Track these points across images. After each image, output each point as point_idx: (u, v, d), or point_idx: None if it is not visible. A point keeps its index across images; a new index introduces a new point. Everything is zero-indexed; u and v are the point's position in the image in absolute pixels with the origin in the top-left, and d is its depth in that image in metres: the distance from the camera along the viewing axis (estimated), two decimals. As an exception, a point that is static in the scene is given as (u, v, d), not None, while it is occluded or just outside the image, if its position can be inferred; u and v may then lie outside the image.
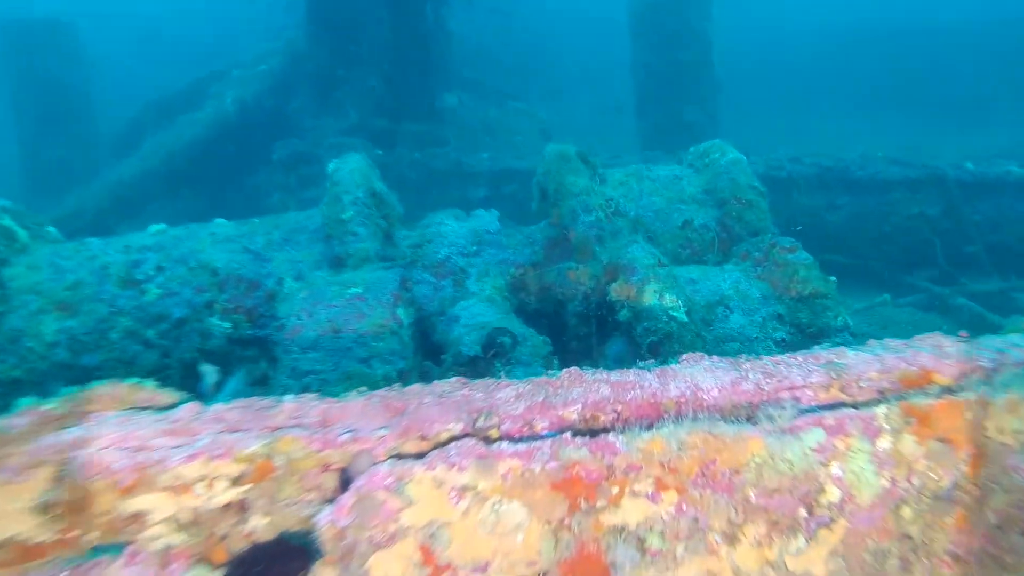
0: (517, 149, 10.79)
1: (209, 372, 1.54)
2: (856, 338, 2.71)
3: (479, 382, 1.38)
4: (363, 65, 9.54)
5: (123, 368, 3.33)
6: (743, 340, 2.64)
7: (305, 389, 2.47)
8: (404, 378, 2.54)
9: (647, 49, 10.53)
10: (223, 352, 3.31)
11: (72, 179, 11.63)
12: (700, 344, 2.54)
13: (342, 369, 2.43)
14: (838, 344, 2.47)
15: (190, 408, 1.31)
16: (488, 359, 2.67)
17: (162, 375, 3.27)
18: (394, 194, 3.88)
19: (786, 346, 2.66)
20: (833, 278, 2.83)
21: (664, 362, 2.56)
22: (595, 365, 3.12)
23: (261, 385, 3.03)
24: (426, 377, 2.93)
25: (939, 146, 13.93)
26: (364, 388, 1.41)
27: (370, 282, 2.86)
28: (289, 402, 1.34)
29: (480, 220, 3.93)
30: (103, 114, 13.77)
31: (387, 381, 2.50)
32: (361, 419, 1.31)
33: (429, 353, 3.17)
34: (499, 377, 2.47)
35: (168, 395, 1.39)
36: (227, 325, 3.35)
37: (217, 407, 1.31)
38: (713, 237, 3.56)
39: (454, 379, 1.40)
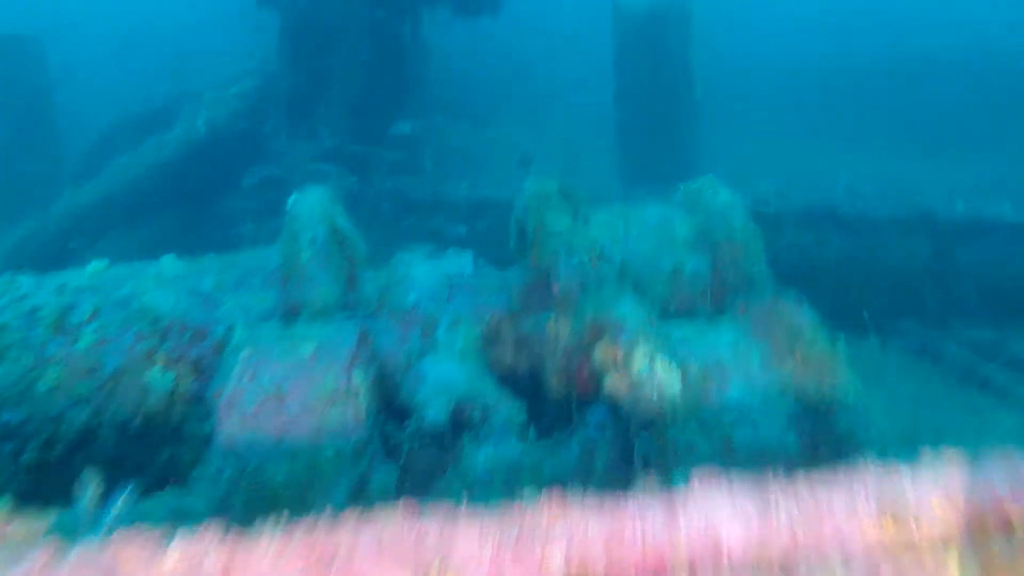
0: (496, 177, 10.52)
1: (89, 484, 1.22)
2: (867, 412, 2.42)
3: (431, 514, 1.07)
4: (337, 88, 9.26)
5: (49, 425, 2.98)
6: (742, 412, 2.35)
7: (242, 469, 2.14)
8: (359, 453, 2.22)
9: (629, 74, 10.34)
10: (163, 410, 2.98)
11: (33, 200, 11.21)
12: (694, 419, 2.25)
13: (286, 446, 2.11)
14: (850, 422, 2.18)
15: (40, 558, 0.98)
16: (455, 433, 2.36)
17: (92, 436, 2.92)
18: (360, 231, 3.57)
19: (790, 419, 2.37)
20: (842, 342, 2.55)
21: (658, 440, 2.26)
22: (575, 434, 2.82)
23: (204, 448, 2.69)
24: (387, 443, 2.61)
25: (922, 176, 13.86)
26: (285, 514, 1.09)
27: (325, 337, 2.54)
28: (180, 545, 1.02)
29: (453, 261, 3.63)
30: (71, 131, 13.37)
31: (339, 457, 2.19)
32: (274, 572, 0.99)
33: (393, 412, 2.86)
34: (468, 451, 2.12)
35: (23, 526, 1.06)
36: (169, 378, 3.01)
37: (80, 552, 0.99)
38: (705, 286, 3.27)
39: (400, 508, 1.09)
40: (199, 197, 10.33)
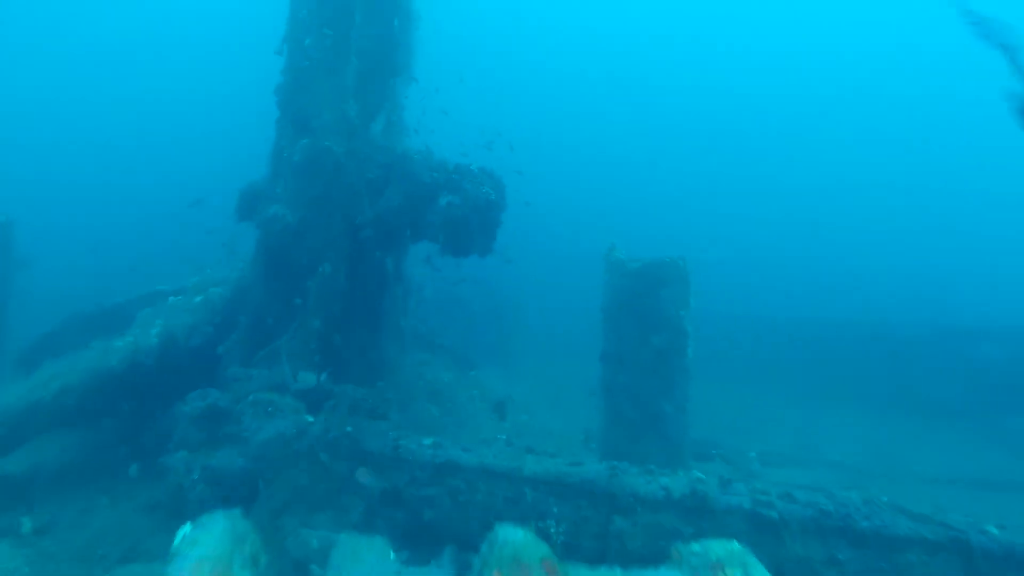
0: (466, 427, 9.70)
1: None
2: None
3: None
4: (308, 315, 8.58)
5: None
6: None
7: None
8: None
9: (617, 332, 9.78)
10: None
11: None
12: None
13: None
14: None
15: None
16: None
17: None
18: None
19: None
20: None
21: None
22: None
23: None
24: None
25: (916, 453, 13.15)
26: None
27: None
28: None
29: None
30: (22, 320, 12.59)
31: None
32: None
33: None
34: None
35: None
36: None
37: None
38: None
39: None
40: (140, 412, 9.37)
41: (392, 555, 3.95)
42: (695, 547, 3.05)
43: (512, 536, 2.76)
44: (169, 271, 11.50)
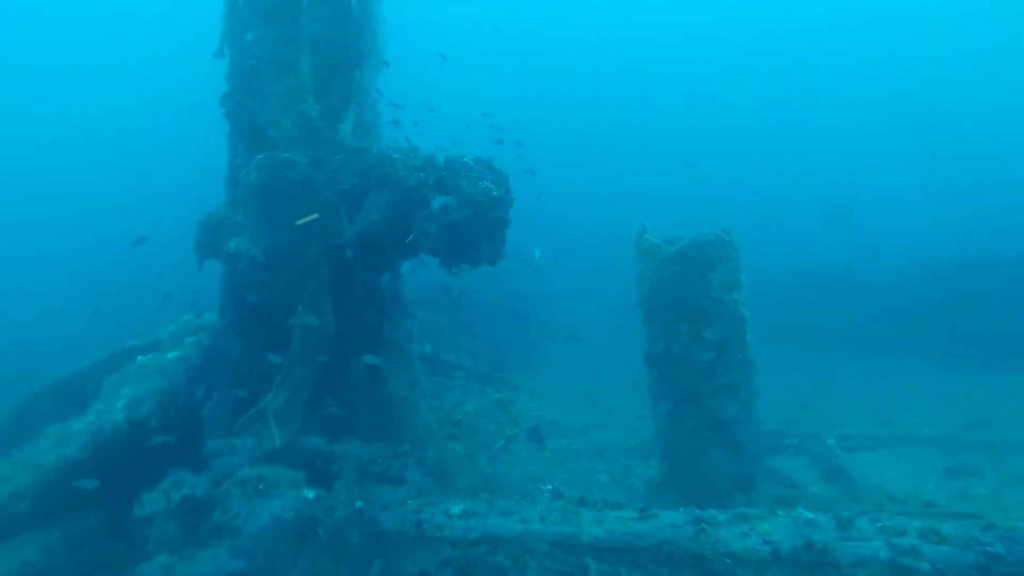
0: (500, 462, 8.23)
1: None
2: None
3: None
4: (293, 366, 7.12)
5: None
6: None
7: None
8: None
9: (663, 331, 8.24)
10: None
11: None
12: None
13: None
14: None
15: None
16: None
17: None
18: None
19: None
20: None
21: None
22: None
23: None
24: None
25: (1013, 412, 11.58)
26: None
27: None
28: None
29: None
30: None
31: None
32: None
33: None
34: None
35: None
36: None
37: None
38: None
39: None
40: (109, 504, 7.96)
41: None
42: None
43: None
44: (131, 325, 10.02)
